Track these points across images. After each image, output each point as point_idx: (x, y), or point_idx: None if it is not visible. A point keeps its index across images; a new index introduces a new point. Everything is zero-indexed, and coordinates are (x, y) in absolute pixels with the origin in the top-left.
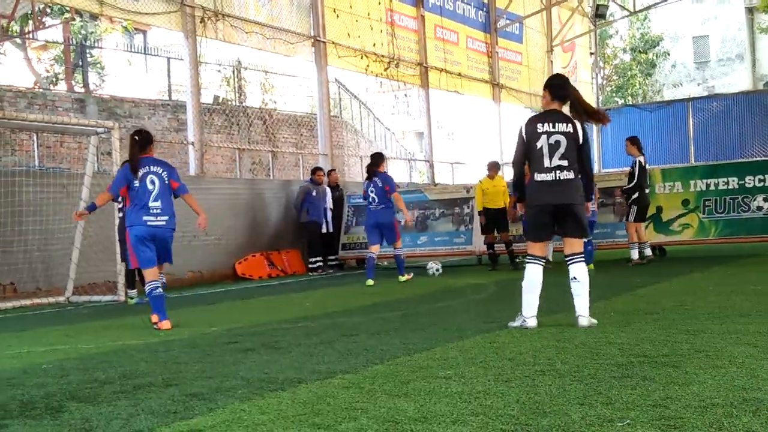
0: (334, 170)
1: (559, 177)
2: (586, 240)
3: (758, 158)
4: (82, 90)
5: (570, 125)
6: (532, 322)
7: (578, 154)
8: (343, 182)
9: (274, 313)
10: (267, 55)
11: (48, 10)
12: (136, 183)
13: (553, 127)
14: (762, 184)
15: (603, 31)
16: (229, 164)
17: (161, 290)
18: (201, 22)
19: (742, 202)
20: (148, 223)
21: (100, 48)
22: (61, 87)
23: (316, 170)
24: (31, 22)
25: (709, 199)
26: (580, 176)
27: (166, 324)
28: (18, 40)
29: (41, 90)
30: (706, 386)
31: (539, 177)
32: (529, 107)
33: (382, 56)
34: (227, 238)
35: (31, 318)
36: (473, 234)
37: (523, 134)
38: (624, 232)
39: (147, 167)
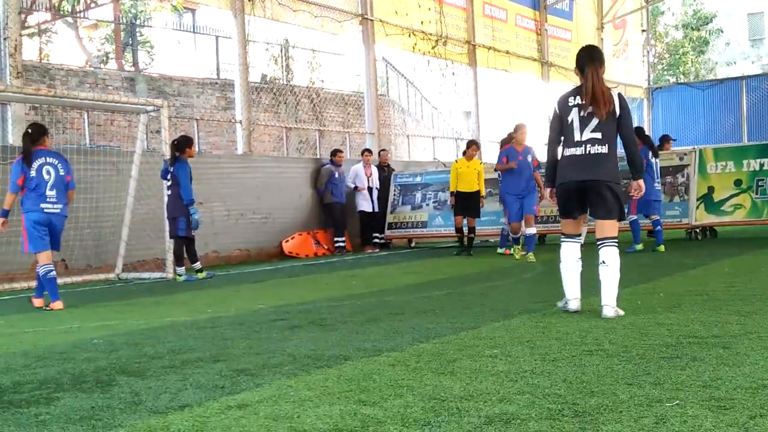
0: (385, 150)
1: (590, 151)
2: (654, 220)
3: None
4: (132, 69)
5: (605, 97)
6: (574, 305)
7: (617, 127)
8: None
9: (320, 291)
10: (314, 33)
11: None
12: (32, 173)
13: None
14: None
15: (655, 8)
16: (276, 143)
17: (54, 273)
18: (249, 0)
19: None
20: (45, 210)
21: (150, 27)
22: (112, 66)
23: (336, 152)
24: (82, 1)
25: (763, 179)
26: (625, 152)
27: (58, 304)
28: (69, 20)
29: (92, 69)
30: (758, 367)
31: (568, 152)
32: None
33: (430, 34)
34: (274, 216)
35: (81, 294)
36: None
37: (557, 109)
38: (675, 212)
39: (43, 158)
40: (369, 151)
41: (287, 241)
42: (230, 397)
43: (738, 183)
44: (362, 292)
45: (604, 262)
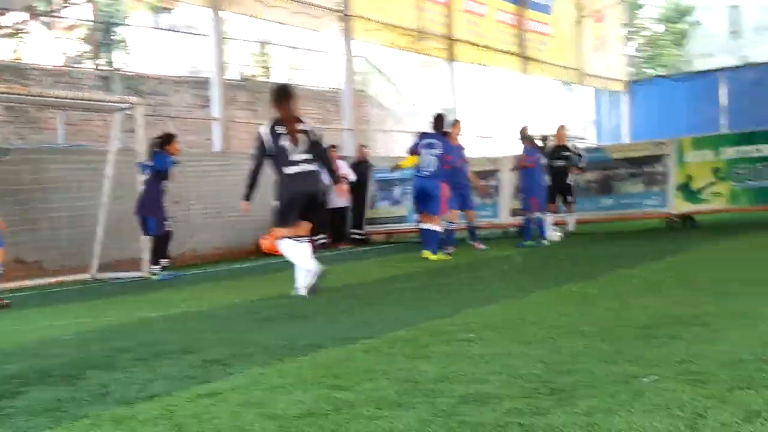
0: (364, 146)
1: (306, 168)
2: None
3: None
4: (108, 68)
5: (303, 125)
6: (305, 291)
7: (315, 148)
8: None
9: None
10: (293, 30)
11: None
12: None
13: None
14: None
15: (634, 2)
16: (254, 140)
17: None
18: None
19: None
20: None
21: (126, 25)
22: (87, 65)
23: None
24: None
25: (740, 167)
26: (324, 166)
27: None
28: (44, 19)
29: (67, 68)
30: (735, 344)
31: (289, 170)
32: (558, 79)
33: (409, 29)
34: (251, 214)
35: (55, 294)
36: (499, 207)
37: (265, 137)
38: (653, 201)
39: None
40: (334, 146)
41: (265, 238)
42: (200, 386)
43: (716, 171)
44: (338, 286)
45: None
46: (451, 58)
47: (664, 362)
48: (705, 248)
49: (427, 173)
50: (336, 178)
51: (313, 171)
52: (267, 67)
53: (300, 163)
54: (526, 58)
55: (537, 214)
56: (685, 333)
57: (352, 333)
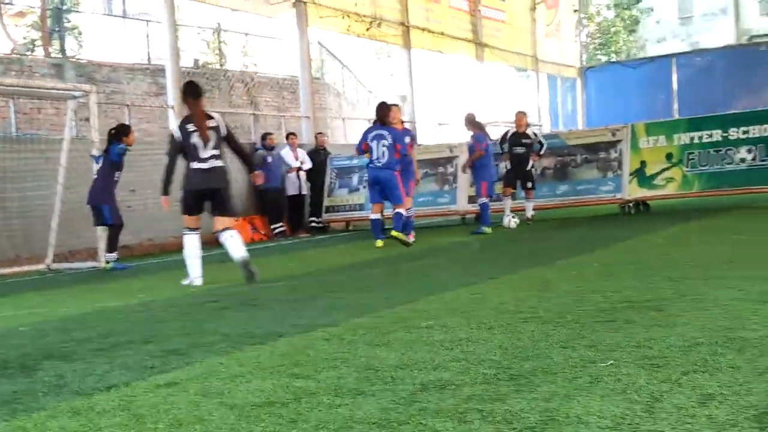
0: (322, 133)
1: (213, 165)
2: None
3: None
4: (60, 55)
5: (213, 121)
6: (198, 281)
7: (228, 142)
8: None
9: None
10: (248, 17)
11: None
12: None
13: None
14: (745, 135)
15: None
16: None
17: None
18: None
19: (726, 154)
20: None
21: (78, 12)
22: (39, 53)
23: (266, 135)
24: None
25: (693, 153)
26: (238, 157)
27: None
28: None
29: (17, 56)
30: (690, 327)
31: (195, 165)
32: (513, 66)
33: (364, 16)
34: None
35: (10, 285)
36: (457, 194)
37: (177, 135)
38: (608, 187)
39: None
40: (294, 134)
41: None
42: (159, 376)
43: (669, 157)
44: (298, 273)
45: (232, 236)
46: (406, 45)
47: (621, 347)
48: (659, 233)
49: (380, 164)
50: (252, 167)
51: (218, 167)
52: (222, 55)
53: (207, 159)
54: (482, 45)
55: (484, 199)
56: (641, 317)
57: (313, 321)
